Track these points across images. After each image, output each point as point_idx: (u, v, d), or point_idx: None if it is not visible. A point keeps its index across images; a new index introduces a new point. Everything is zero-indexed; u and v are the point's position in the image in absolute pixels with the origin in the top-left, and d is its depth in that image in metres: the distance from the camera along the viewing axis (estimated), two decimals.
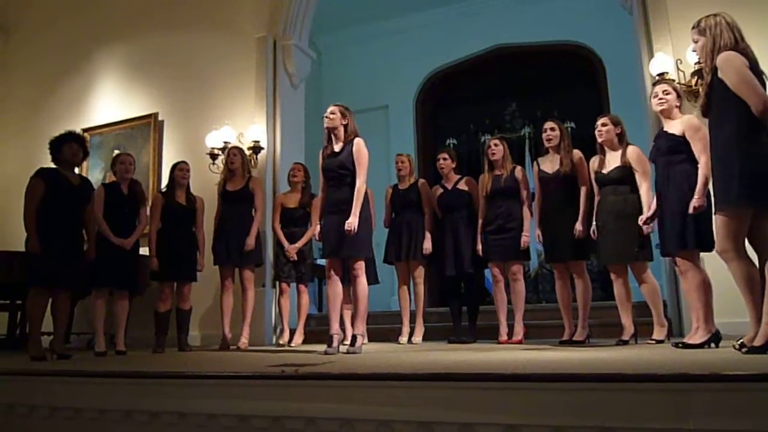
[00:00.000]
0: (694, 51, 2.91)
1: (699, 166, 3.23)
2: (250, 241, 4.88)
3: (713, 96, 2.68)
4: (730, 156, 2.60)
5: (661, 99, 3.52)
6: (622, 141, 3.97)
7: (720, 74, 2.64)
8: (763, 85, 2.67)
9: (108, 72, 6.94)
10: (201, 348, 5.25)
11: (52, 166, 4.27)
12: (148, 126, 6.45)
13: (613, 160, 3.94)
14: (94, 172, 6.60)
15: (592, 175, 4.07)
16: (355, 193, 3.71)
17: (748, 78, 2.59)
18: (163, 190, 5.10)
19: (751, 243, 2.68)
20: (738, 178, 2.55)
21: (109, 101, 6.85)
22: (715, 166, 2.72)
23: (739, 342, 2.70)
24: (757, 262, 2.67)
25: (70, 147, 4.26)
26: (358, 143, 3.79)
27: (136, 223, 4.60)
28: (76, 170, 4.51)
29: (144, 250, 4.85)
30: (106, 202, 4.48)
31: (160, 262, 4.75)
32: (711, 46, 2.73)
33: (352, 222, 3.63)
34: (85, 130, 6.70)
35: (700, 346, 3.16)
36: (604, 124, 4.00)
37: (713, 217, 2.74)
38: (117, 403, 2.64)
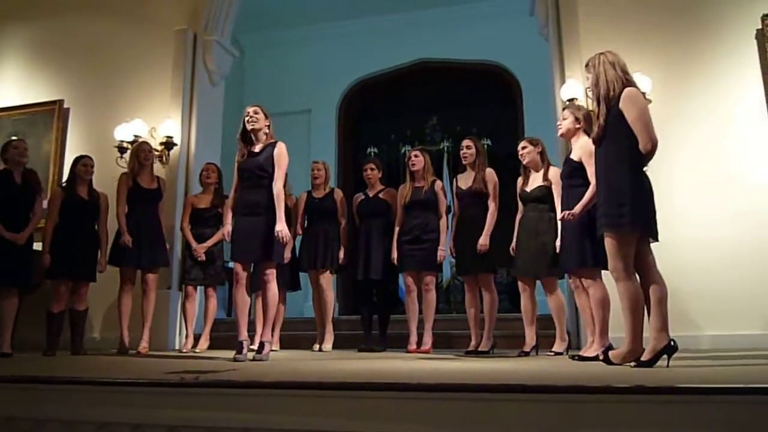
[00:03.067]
0: (587, 88, 3.13)
1: (589, 187, 3.40)
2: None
3: (609, 125, 2.87)
4: (621, 184, 2.79)
5: (558, 124, 3.77)
6: (544, 161, 4.14)
7: (621, 105, 2.83)
8: None
9: (7, 53, 6.44)
10: (98, 352, 4.95)
11: None
12: (52, 113, 6.04)
13: (536, 179, 4.11)
14: None
15: (518, 192, 4.22)
16: (275, 197, 3.64)
17: (647, 118, 2.82)
18: (63, 184, 4.80)
19: (635, 266, 2.85)
20: (628, 205, 2.75)
21: (7, 84, 6.37)
22: (602, 190, 2.91)
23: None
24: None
25: None
26: (281, 146, 3.75)
27: (30, 215, 4.29)
28: None
29: (39, 246, 4.53)
30: None
31: (57, 259, 4.46)
32: (595, 81, 2.96)
33: (282, 229, 3.57)
34: None
35: (595, 358, 3.33)
36: (524, 147, 4.17)
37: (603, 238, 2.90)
38: None
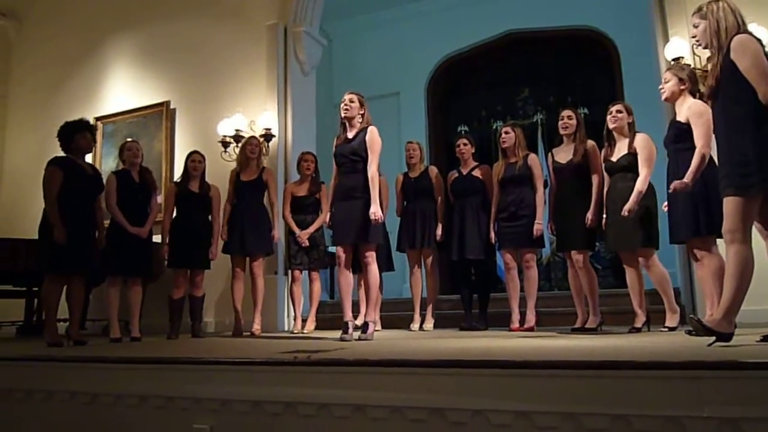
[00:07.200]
0: (693, 37, 2.85)
1: (696, 150, 3.18)
2: (276, 233, 5.03)
3: (723, 78, 2.63)
4: (743, 140, 2.54)
5: (660, 87, 3.55)
6: (631, 129, 3.99)
7: (732, 56, 2.57)
8: None
9: (119, 60, 6.96)
10: (215, 334, 5.30)
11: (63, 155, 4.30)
12: (160, 114, 6.47)
13: (622, 148, 3.96)
14: (108, 160, 6.65)
15: (603, 164, 4.09)
16: (369, 180, 3.73)
17: (763, 64, 2.53)
18: (177, 180, 5.13)
19: (762, 222, 2.65)
20: (754, 163, 2.49)
21: (121, 90, 6.88)
22: (724, 150, 2.65)
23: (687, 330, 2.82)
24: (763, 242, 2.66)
25: (83, 136, 4.28)
26: (372, 131, 3.82)
27: (148, 210, 4.63)
28: (88, 158, 4.53)
29: (157, 238, 4.89)
30: (118, 190, 4.52)
31: (175, 250, 4.80)
32: (715, 28, 2.67)
33: (376, 211, 3.65)
34: (97, 119, 6.75)
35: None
36: (619, 111, 4.01)
37: (723, 200, 2.69)
38: (132, 389, 2.68)
